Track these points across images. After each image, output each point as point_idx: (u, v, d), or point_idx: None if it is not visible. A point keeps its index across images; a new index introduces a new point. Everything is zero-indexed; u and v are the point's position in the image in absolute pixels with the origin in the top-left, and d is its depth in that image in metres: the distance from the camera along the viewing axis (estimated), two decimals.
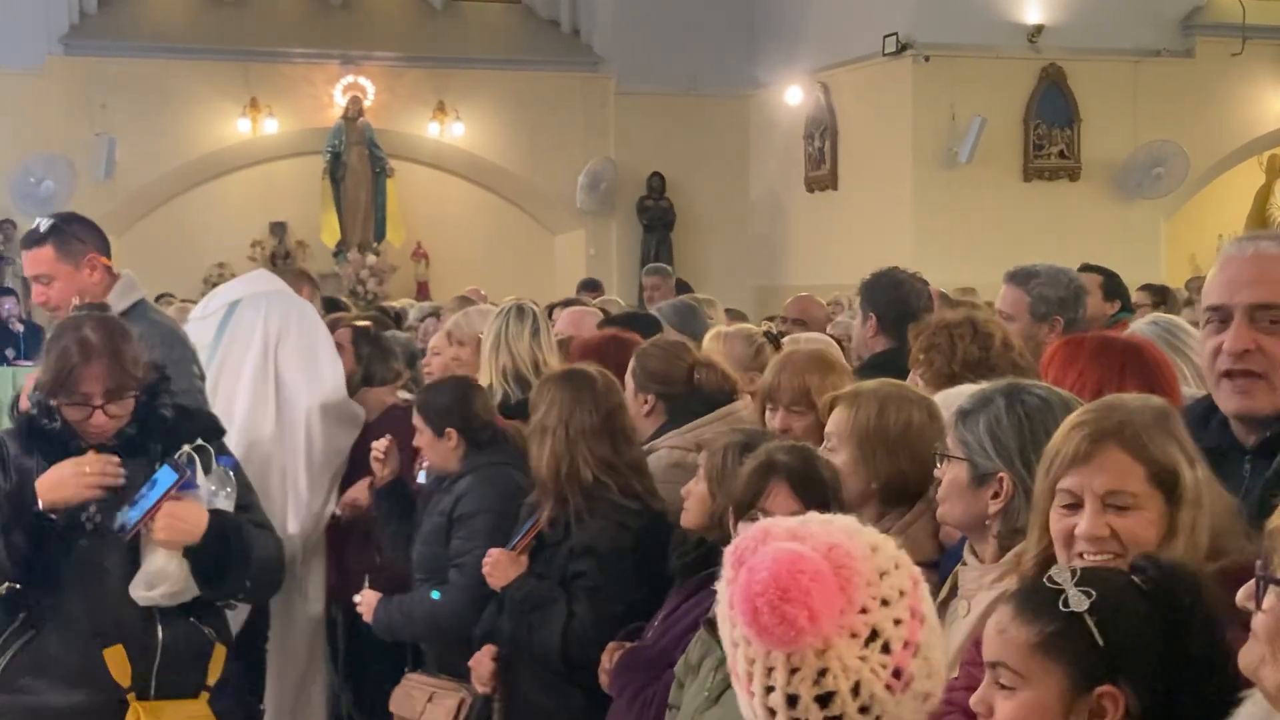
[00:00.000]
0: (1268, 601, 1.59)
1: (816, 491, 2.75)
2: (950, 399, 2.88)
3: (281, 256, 16.34)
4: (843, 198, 15.64)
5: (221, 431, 3.71)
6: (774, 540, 1.67)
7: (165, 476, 3.34)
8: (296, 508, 5.05)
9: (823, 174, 15.93)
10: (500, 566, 3.95)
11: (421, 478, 4.82)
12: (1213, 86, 15.11)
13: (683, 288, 9.72)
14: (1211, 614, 1.86)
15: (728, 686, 2.85)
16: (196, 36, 16.12)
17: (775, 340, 5.66)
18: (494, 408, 4.55)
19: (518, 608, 3.91)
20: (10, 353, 12.85)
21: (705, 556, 3.37)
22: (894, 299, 4.85)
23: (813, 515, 1.75)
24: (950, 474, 2.64)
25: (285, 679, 5.15)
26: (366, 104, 16.45)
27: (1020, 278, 4.51)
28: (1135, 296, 6.90)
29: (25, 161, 14.88)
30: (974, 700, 1.88)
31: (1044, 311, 4.43)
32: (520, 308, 5.17)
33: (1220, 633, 1.84)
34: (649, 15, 16.68)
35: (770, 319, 8.60)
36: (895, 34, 14.30)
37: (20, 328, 13.21)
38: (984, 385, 2.70)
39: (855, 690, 1.61)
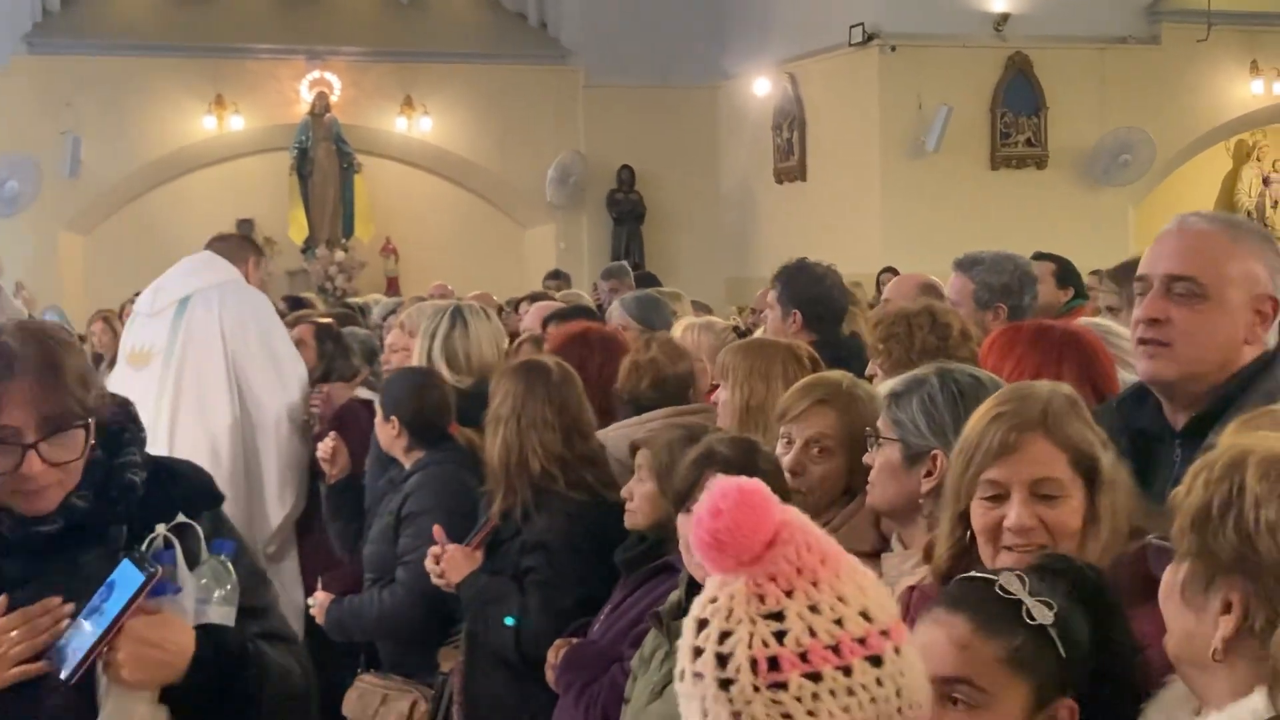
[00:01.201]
0: (1166, 572, 1.60)
1: None
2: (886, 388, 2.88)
3: None
4: (811, 189, 15.63)
5: (217, 499, 2.47)
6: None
7: (126, 579, 2.14)
8: (270, 513, 5.02)
9: (791, 165, 15.92)
10: (453, 562, 3.94)
11: None
12: (1179, 73, 15.15)
13: (648, 281, 9.65)
14: (1120, 605, 1.85)
15: (670, 680, 2.85)
16: (161, 33, 16.02)
17: (742, 334, 5.70)
18: (448, 410, 4.49)
19: (470, 604, 3.90)
20: None
21: (649, 551, 3.37)
22: (817, 294, 4.85)
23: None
24: (882, 456, 2.65)
25: None
26: (333, 99, 16.37)
27: (965, 265, 4.54)
28: (1089, 280, 6.89)
29: None
30: None
31: (987, 299, 4.45)
32: (444, 309, 5.01)
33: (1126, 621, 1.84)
34: (616, 8, 16.64)
35: (739, 310, 8.60)
36: (861, 24, 14.30)
37: None
38: (916, 370, 2.72)
39: (722, 638, 1.43)
